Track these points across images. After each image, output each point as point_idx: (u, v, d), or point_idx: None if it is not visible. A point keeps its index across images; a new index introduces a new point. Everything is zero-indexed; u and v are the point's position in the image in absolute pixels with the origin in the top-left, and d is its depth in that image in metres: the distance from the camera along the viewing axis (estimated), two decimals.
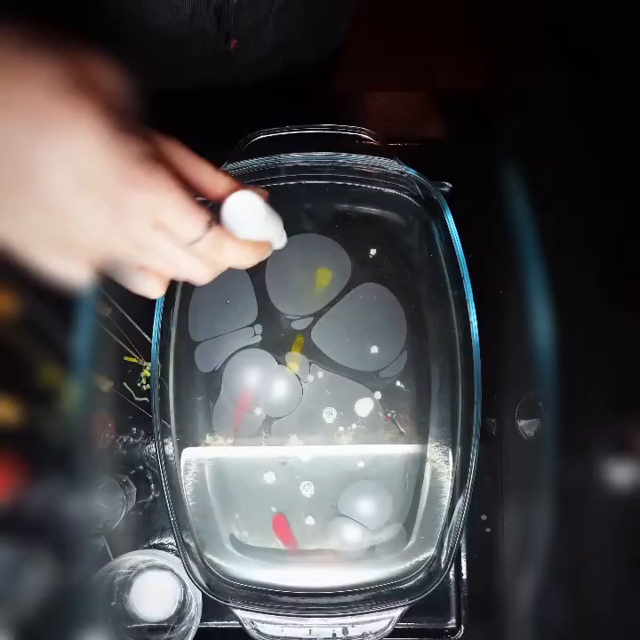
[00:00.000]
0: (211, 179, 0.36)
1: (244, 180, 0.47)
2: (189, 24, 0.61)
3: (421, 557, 0.59)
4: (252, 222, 0.36)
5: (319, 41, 0.72)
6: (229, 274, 0.39)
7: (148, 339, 0.64)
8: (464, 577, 0.64)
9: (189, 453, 0.60)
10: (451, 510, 0.58)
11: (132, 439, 0.66)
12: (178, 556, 0.58)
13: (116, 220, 0.31)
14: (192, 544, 0.58)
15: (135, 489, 0.63)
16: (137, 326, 0.65)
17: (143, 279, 0.37)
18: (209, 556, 0.59)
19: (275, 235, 0.39)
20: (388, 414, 0.60)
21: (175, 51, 0.65)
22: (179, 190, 0.32)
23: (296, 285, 0.62)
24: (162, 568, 0.62)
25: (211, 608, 0.62)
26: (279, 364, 0.61)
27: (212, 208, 0.36)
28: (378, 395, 0.60)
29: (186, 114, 0.67)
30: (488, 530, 0.64)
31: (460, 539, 0.57)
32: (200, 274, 0.36)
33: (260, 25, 0.64)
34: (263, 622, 0.55)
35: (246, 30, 0.64)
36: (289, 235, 0.41)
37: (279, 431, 0.60)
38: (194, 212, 0.33)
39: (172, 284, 0.59)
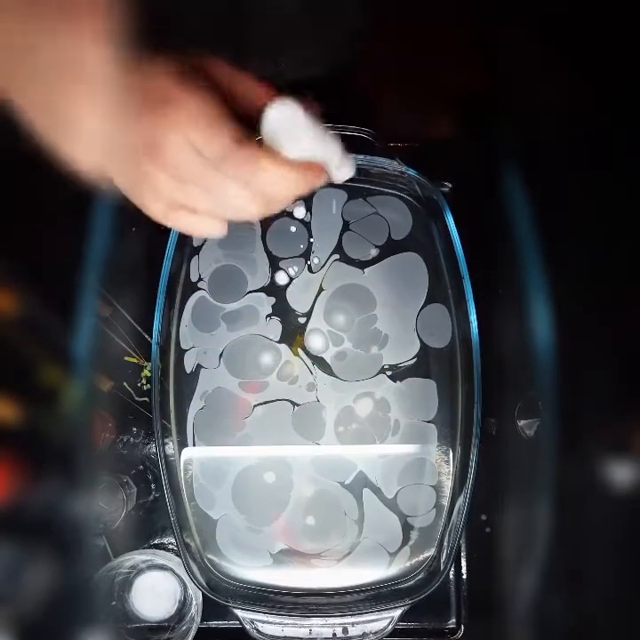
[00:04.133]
0: (252, 91, 0.34)
1: None
2: None
3: (421, 557, 0.59)
4: (295, 135, 0.32)
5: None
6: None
7: (149, 339, 0.64)
8: (464, 577, 0.64)
9: (189, 453, 0.60)
10: (451, 510, 0.58)
11: (132, 439, 0.66)
12: (178, 555, 0.58)
13: (153, 151, 0.31)
14: (192, 544, 0.58)
15: (135, 489, 0.63)
16: (137, 326, 0.65)
17: (196, 220, 0.35)
18: (209, 555, 0.59)
19: (328, 155, 0.34)
20: (389, 414, 0.60)
21: None
22: (208, 105, 0.30)
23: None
24: (162, 568, 0.62)
25: (211, 608, 0.62)
26: (280, 360, 0.61)
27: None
28: (378, 395, 0.60)
29: None
30: (488, 530, 0.64)
31: (459, 539, 0.57)
32: (245, 201, 0.33)
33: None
34: (263, 622, 0.55)
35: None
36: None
37: (279, 431, 0.60)
38: (223, 126, 0.31)
39: (173, 286, 0.59)
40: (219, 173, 0.32)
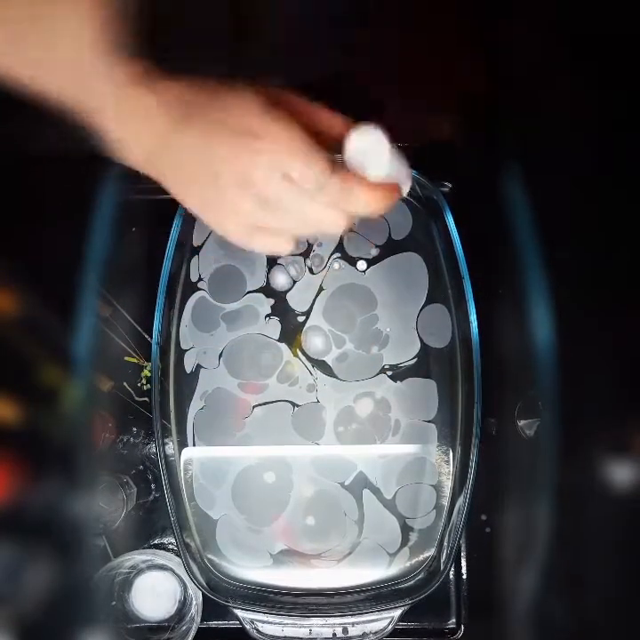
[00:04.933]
0: (327, 120, 0.36)
1: None
2: None
3: (421, 557, 0.59)
4: (379, 157, 0.34)
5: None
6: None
7: (149, 339, 0.64)
8: (464, 577, 0.64)
9: (189, 453, 0.60)
10: (451, 510, 0.58)
11: (132, 439, 0.66)
12: (178, 555, 0.58)
13: (243, 180, 0.32)
14: (192, 544, 0.58)
15: (135, 489, 0.63)
16: (137, 326, 0.65)
17: (275, 240, 0.36)
18: (209, 555, 0.59)
19: (401, 173, 0.36)
20: (389, 414, 0.60)
21: None
22: (298, 137, 0.32)
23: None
24: (162, 568, 0.62)
25: (211, 608, 0.62)
26: (279, 360, 0.61)
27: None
28: (378, 395, 0.61)
29: None
30: (488, 530, 0.64)
31: (459, 539, 0.57)
32: (333, 221, 0.35)
33: None
34: (263, 622, 0.55)
35: None
36: None
37: (279, 431, 0.60)
38: (315, 156, 0.32)
39: (173, 286, 0.59)
40: (313, 201, 0.33)
